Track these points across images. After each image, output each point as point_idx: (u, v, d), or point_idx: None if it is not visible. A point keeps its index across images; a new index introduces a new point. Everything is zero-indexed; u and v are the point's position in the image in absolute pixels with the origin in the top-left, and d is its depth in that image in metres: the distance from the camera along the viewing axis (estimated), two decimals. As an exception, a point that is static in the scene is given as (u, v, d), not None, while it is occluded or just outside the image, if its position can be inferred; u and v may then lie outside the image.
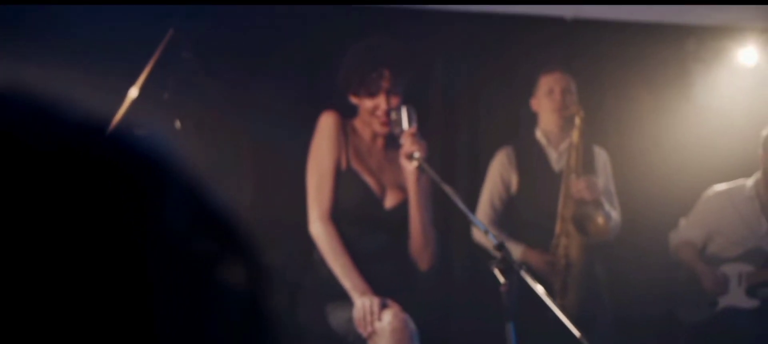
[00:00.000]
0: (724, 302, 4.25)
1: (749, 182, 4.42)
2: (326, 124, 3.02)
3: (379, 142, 3.08)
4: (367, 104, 2.98)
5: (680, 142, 5.24)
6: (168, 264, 0.61)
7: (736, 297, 4.22)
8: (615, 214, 4.02)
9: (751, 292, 4.20)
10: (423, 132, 2.94)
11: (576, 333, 2.15)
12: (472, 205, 4.64)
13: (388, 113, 2.95)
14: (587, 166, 3.92)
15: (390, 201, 3.02)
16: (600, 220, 3.74)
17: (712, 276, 4.24)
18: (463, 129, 5.08)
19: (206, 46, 3.73)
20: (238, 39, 4.31)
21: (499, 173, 4.09)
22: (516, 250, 3.87)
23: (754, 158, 4.39)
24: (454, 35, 5.08)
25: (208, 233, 0.68)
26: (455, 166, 4.90)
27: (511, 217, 4.06)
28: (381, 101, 2.95)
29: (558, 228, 3.82)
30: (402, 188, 2.97)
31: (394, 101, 2.95)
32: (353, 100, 3.02)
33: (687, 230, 4.52)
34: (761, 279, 4.18)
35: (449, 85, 5.10)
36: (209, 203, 0.69)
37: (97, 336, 0.54)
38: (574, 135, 3.84)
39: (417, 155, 2.76)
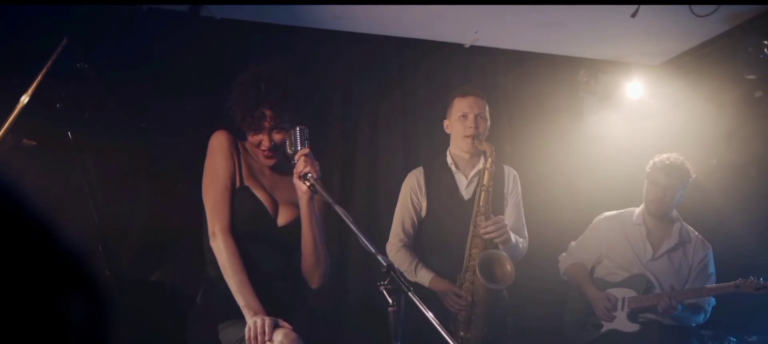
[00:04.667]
0: (608, 325, 4.40)
1: (637, 210, 4.60)
2: (218, 142, 3.02)
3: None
4: (252, 138, 2.99)
5: (571, 167, 5.43)
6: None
7: (619, 321, 4.37)
8: (522, 241, 4.02)
9: (632, 317, 4.35)
10: (323, 153, 2.95)
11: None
12: (372, 222, 4.68)
13: (270, 149, 2.98)
14: (497, 192, 3.91)
15: (283, 218, 3.02)
16: (508, 267, 3.71)
17: (605, 300, 4.37)
18: (363, 150, 5.12)
19: (103, 57, 3.65)
20: (136, 50, 4.23)
21: (409, 196, 4.05)
22: (425, 276, 3.88)
23: (640, 187, 4.57)
24: (357, 56, 5.13)
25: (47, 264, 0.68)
26: (354, 186, 4.93)
27: (420, 240, 4.04)
28: (264, 138, 2.97)
29: (465, 263, 3.80)
30: (295, 205, 2.98)
31: (278, 137, 2.97)
32: (242, 129, 3.02)
33: (578, 253, 4.66)
34: (642, 304, 4.33)
35: (350, 106, 5.14)
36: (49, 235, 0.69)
37: None
38: (485, 177, 3.78)
39: (310, 175, 2.78)
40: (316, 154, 2.86)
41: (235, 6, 4.58)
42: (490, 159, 3.79)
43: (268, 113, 2.91)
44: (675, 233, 4.46)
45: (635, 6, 4.48)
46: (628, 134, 5.57)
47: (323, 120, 4.96)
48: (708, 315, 4.41)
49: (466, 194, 3.98)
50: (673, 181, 4.34)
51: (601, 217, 4.68)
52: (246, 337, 2.69)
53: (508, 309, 4.03)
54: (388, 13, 4.78)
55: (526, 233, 4.11)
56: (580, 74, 5.61)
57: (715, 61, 5.22)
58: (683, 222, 4.53)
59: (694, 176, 4.40)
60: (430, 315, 2.34)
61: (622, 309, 4.37)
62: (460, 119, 3.95)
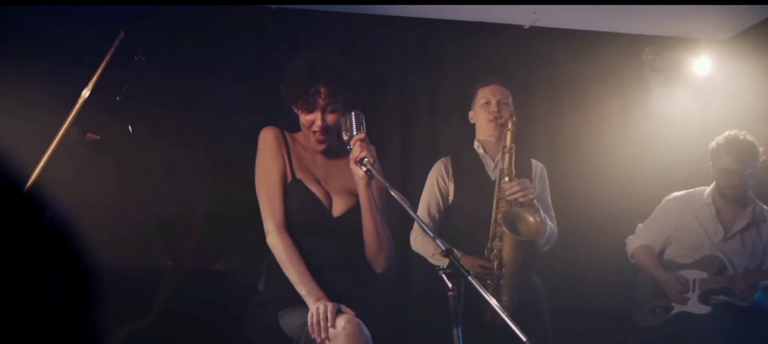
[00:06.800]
0: (678, 307, 4.28)
1: (707, 189, 4.46)
2: (266, 139, 3.04)
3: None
4: (304, 118, 2.98)
5: (637, 149, 5.31)
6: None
7: (690, 303, 4.25)
8: (551, 224, 4.00)
9: (703, 298, 4.23)
10: (381, 138, 2.93)
11: (523, 337, 2.12)
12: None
13: (323, 130, 2.96)
14: (523, 175, 3.89)
15: (338, 208, 3.01)
16: (531, 219, 3.72)
17: (675, 282, 4.27)
18: (422, 135, 5.10)
19: (160, 49, 3.69)
20: (193, 41, 4.27)
21: (436, 183, 4.08)
22: None
23: (709, 166, 4.43)
24: (414, 42, 5.09)
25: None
26: (414, 171, 4.90)
27: (448, 226, 4.04)
28: (317, 118, 2.96)
29: (492, 231, 3.80)
30: (350, 194, 2.98)
31: (331, 118, 2.95)
32: (295, 110, 3.01)
33: (646, 235, 4.54)
34: (714, 286, 4.20)
35: (407, 91, 5.11)
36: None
37: None
38: (507, 138, 3.82)
39: (366, 160, 2.76)
40: (374, 139, 2.83)
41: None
42: (511, 122, 3.84)
43: (322, 90, 2.90)
44: (748, 213, 4.31)
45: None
46: (696, 111, 5.42)
47: (380, 106, 4.94)
48: None
49: (493, 175, 4.00)
50: (743, 164, 4.20)
51: (670, 197, 4.56)
52: (309, 323, 2.69)
53: (542, 293, 3.99)
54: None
55: (555, 223, 4.07)
56: (645, 52, 5.47)
57: (788, 32, 5.04)
58: (757, 201, 4.37)
59: (761, 149, 4.24)
60: (493, 301, 2.30)
61: (693, 290, 4.25)
62: (484, 106, 4.06)
